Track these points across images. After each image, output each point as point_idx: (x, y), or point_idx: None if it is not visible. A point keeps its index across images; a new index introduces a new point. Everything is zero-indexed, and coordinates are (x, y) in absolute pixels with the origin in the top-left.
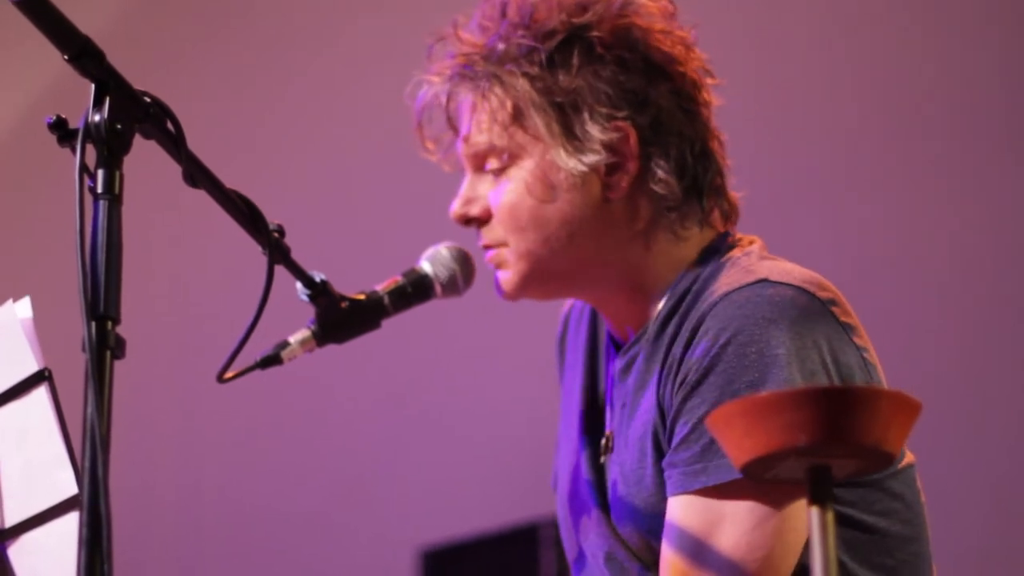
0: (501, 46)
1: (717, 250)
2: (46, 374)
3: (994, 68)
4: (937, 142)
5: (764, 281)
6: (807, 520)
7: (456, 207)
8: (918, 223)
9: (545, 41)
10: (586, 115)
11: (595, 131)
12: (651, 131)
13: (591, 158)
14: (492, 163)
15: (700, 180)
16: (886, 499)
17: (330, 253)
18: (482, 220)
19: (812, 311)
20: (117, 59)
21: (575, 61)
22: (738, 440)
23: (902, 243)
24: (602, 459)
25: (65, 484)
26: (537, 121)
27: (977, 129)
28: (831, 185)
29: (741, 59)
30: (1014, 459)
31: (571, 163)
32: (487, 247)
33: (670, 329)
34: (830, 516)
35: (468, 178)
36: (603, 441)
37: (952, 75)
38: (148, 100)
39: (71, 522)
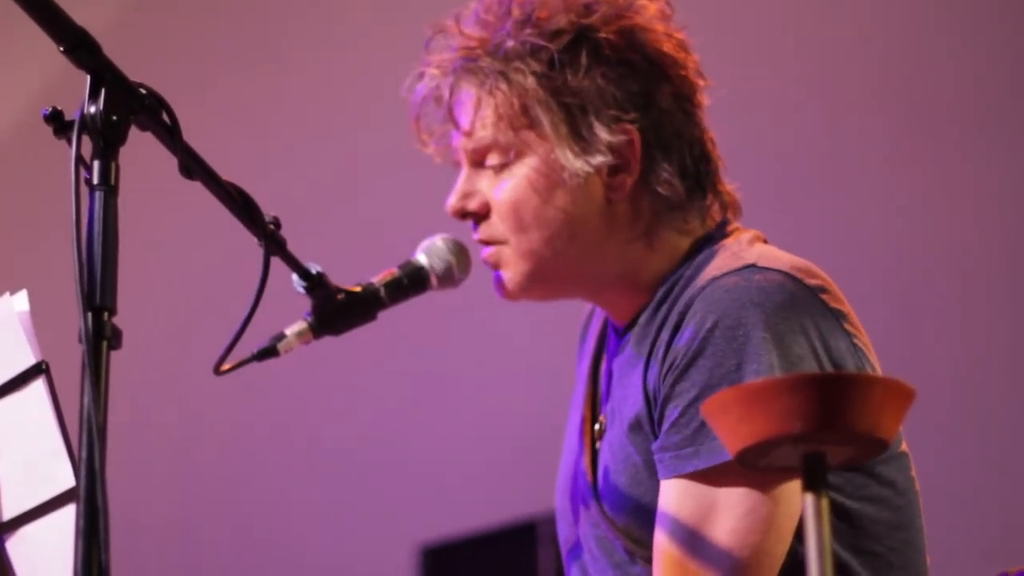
0: (509, 43)
1: (711, 239)
2: (43, 367)
3: (994, 63)
4: (936, 134)
5: (752, 267)
6: (799, 505)
7: (453, 201)
8: (916, 216)
9: (553, 40)
10: (593, 117)
11: (601, 133)
12: (654, 133)
13: (597, 159)
14: (493, 159)
15: (702, 179)
16: (874, 485)
17: (326, 245)
18: (480, 215)
19: (800, 296)
20: (115, 50)
21: (583, 62)
22: (733, 427)
23: (900, 236)
24: (597, 444)
25: (63, 477)
26: (544, 120)
27: (974, 122)
28: (829, 178)
29: (736, 54)
30: (1012, 450)
31: (577, 164)
32: (484, 243)
33: (660, 314)
34: (824, 503)
35: (465, 172)
36: (597, 427)
37: (952, 70)
38: (144, 91)
39: (69, 515)
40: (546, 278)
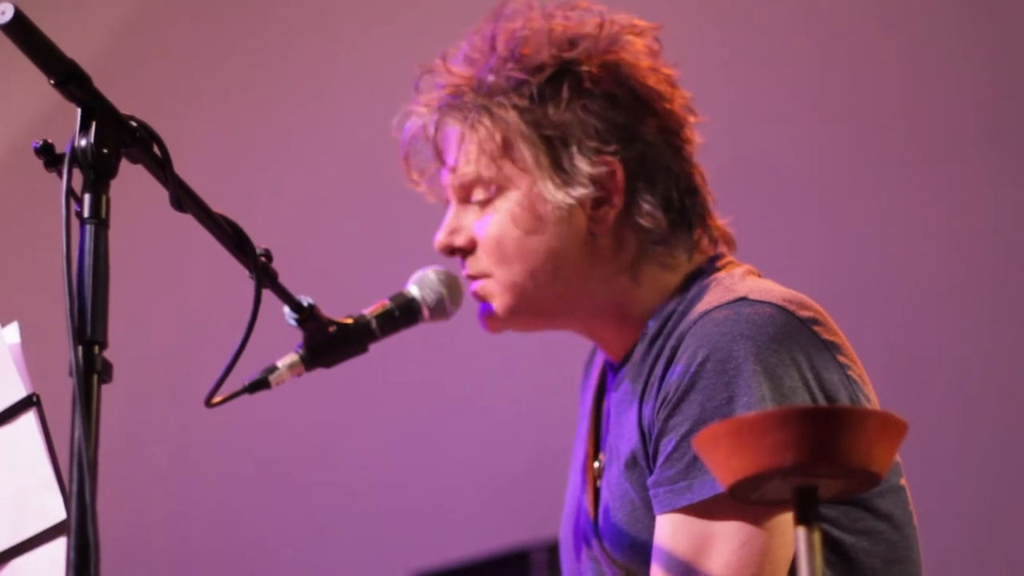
0: (491, 78)
1: (703, 272)
2: (34, 399)
3: (983, 73)
4: (924, 146)
5: (743, 299)
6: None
7: (441, 237)
8: (906, 229)
9: (535, 74)
10: (574, 148)
11: (583, 165)
12: (638, 165)
13: (578, 191)
14: (478, 194)
15: (688, 212)
16: (870, 518)
17: (318, 277)
18: (467, 250)
19: (791, 329)
20: (108, 82)
21: (564, 95)
22: (724, 460)
23: (891, 249)
24: (598, 482)
25: (54, 509)
26: (525, 153)
27: (964, 131)
28: (819, 192)
29: (728, 65)
30: (1017, 481)
31: (558, 196)
32: (472, 277)
33: (654, 350)
34: (817, 536)
35: (453, 208)
36: (597, 464)
37: (941, 79)
38: (134, 124)
39: (60, 548)
40: (529, 311)
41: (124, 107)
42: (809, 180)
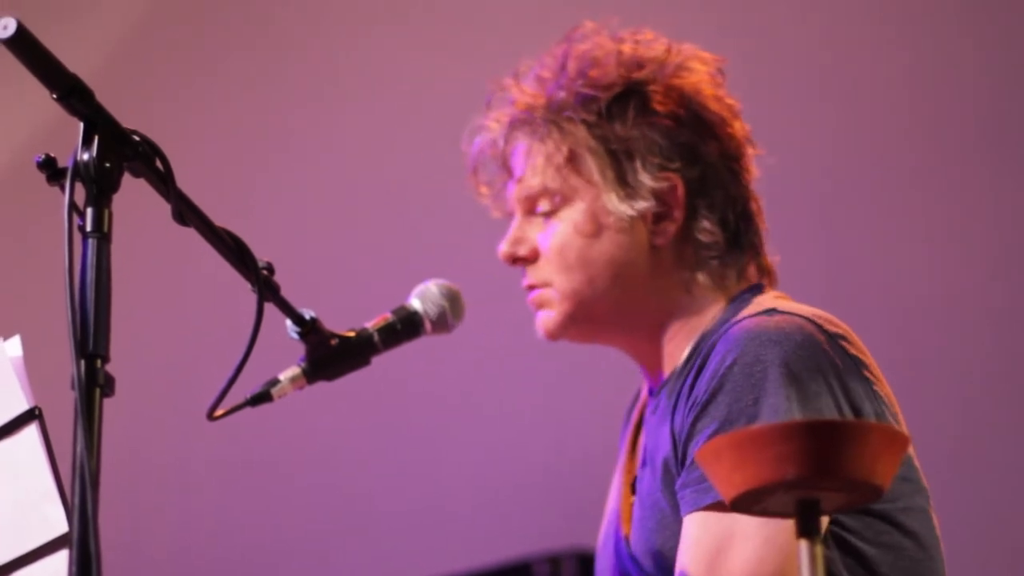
0: (561, 95)
1: (743, 298)
2: (36, 412)
3: (984, 76)
4: (925, 149)
5: (772, 310)
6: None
7: (505, 247)
8: (907, 232)
9: (604, 91)
10: (638, 163)
11: (646, 179)
12: (698, 184)
13: (640, 204)
14: (543, 205)
15: (741, 235)
16: (896, 533)
17: (320, 290)
18: (529, 260)
19: (818, 339)
20: (106, 86)
21: (631, 112)
22: (727, 474)
23: (892, 253)
24: (632, 499)
25: (56, 522)
26: (591, 166)
27: (965, 134)
28: (820, 196)
29: (729, 68)
30: (1007, 467)
31: (621, 208)
32: (532, 287)
33: (688, 366)
34: (819, 550)
35: (517, 220)
36: (632, 482)
37: (941, 82)
38: (137, 138)
39: (62, 560)
40: (586, 318)
41: (124, 107)
42: (810, 184)
